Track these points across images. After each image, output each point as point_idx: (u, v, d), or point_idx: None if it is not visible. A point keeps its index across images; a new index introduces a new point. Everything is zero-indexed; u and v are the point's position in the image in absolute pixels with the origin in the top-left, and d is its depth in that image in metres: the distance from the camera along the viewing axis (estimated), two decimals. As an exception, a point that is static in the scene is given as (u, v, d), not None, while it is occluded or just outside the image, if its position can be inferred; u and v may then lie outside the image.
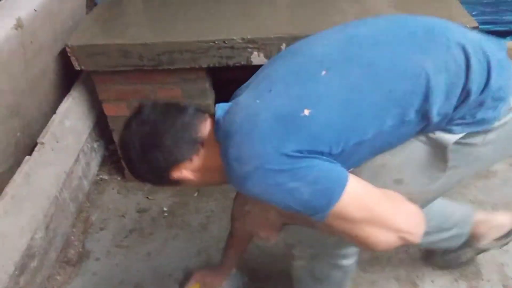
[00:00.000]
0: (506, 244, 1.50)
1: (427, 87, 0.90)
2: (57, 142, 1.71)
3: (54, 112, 1.76)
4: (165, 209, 1.95)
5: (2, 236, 1.36)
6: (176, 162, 0.98)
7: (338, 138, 0.89)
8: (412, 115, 0.91)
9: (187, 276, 1.56)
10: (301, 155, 0.86)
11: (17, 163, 1.55)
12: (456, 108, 0.93)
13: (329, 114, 0.89)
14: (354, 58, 0.94)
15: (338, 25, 1.08)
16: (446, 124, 0.95)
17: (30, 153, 1.59)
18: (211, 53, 1.66)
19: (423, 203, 1.02)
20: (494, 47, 0.98)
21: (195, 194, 2.00)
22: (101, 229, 1.89)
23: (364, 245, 0.93)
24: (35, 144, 1.63)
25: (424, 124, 0.94)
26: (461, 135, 0.95)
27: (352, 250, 1.18)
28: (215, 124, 0.98)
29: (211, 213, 1.92)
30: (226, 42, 1.64)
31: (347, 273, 1.27)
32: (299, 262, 1.27)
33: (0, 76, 1.42)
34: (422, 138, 0.98)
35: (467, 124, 0.94)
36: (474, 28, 1.54)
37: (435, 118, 0.92)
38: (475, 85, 0.92)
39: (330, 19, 1.69)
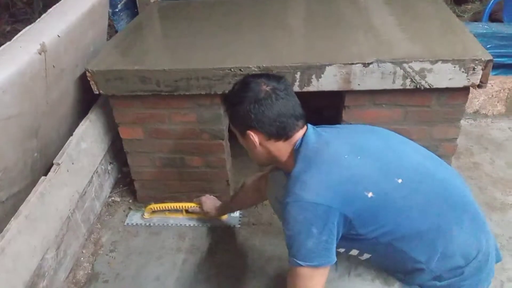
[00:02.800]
0: None
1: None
2: (73, 163, 1.74)
3: (71, 134, 1.79)
4: (175, 232, 1.95)
5: (14, 255, 1.37)
6: (259, 129, 1.18)
7: (380, 231, 1.07)
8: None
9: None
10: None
11: (33, 183, 1.58)
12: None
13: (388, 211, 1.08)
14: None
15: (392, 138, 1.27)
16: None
17: (45, 174, 1.61)
18: (226, 80, 1.69)
19: None
20: None
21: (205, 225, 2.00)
22: (111, 251, 1.89)
23: None
24: (51, 165, 1.66)
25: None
26: None
27: None
28: (303, 137, 1.19)
29: (221, 238, 1.91)
30: (242, 70, 1.66)
31: None
32: None
33: (22, 98, 1.46)
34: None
35: None
36: (489, 61, 1.54)
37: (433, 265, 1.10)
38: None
39: (345, 50, 1.71)
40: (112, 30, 2.61)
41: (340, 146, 1.14)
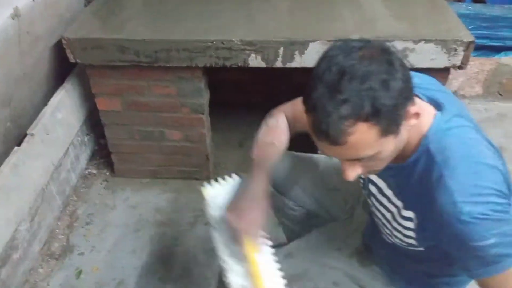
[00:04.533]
0: None
1: None
2: (47, 134, 1.69)
3: (46, 104, 1.74)
4: (153, 206, 1.94)
5: (-14, 227, 1.35)
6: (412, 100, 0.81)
7: None
8: None
9: None
10: None
11: (6, 153, 1.53)
12: None
13: None
14: None
15: None
16: None
17: (19, 144, 1.57)
18: (208, 53, 1.65)
19: None
20: None
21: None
22: (87, 223, 1.87)
23: None
24: (25, 135, 1.61)
25: None
26: None
27: None
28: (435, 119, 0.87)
29: (200, 212, 1.91)
30: (224, 43, 1.63)
31: None
32: None
33: (-7, 64, 1.40)
34: None
35: None
36: (471, 42, 1.55)
37: None
38: None
39: (329, 26, 1.69)
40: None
41: (476, 136, 0.89)
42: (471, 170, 0.83)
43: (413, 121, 0.82)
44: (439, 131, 0.86)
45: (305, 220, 1.38)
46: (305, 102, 0.81)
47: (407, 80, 0.77)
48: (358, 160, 0.82)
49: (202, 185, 1.19)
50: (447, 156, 0.84)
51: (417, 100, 0.84)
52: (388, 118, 0.75)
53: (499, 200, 0.82)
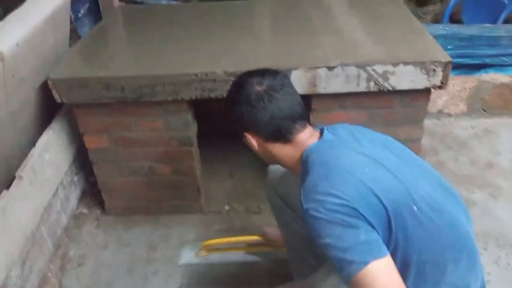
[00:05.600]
0: None
1: None
2: (36, 175, 1.68)
3: (34, 145, 1.73)
4: (146, 243, 1.92)
5: (-26, 275, 1.31)
6: (255, 131, 1.13)
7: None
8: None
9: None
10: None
11: (-6, 198, 1.52)
12: None
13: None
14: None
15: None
16: None
17: (8, 187, 1.55)
18: (193, 86, 1.68)
19: None
20: None
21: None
22: (79, 265, 1.84)
23: None
24: (13, 178, 1.60)
25: None
26: None
27: None
28: (318, 143, 1.10)
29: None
30: (208, 75, 1.65)
31: None
32: None
33: (-22, 109, 1.40)
34: None
35: None
36: (448, 63, 1.59)
37: None
38: None
39: (311, 54, 1.73)
40: (75, 36, 2.54)
41: (360, 158, 1.04)
42: (318, 174, 1.01)
43: (257, 147, 1.16)
44: (312, 148, 1.09)
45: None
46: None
47: (243, 115, 1.10)
48: None
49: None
50: (310, 165, 1.04)
51: (313, 132, 1.14)
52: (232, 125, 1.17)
53: (334, 199, 0.94)
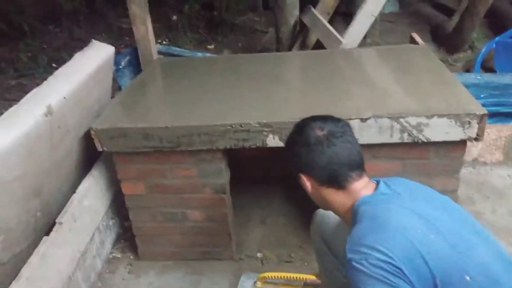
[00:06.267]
0: None
1: None
2: (75, 221, 1.74)
3: (74, 191, 1.80)
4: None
5: (13, 321, 1.35)
6: (310, 174, 1.16)
7: None
8: None
9: None
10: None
11: (35, 242, 1.57)
12: None
13: None
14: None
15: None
16: None
17: (48, 233, 1.61)
18: (227, 136, 1.72)
19: None
20: None
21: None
22: (112, 311, 1.85)
23: None
24: (54, 223, 1.66)
25: None
26: None
27: None
28: (372, 195, 1.09)
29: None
30: (243, 126, 1.70)
31: None
32: None
33: (26, 160, 1.49)
34: None
35: None
36: (484, 115, 1.58)
37: None
38: None
39: (342, 104, 1.76)
40: (115, 86, 2.69)
41: (413, 218, 1.01)
42: (367, 226, 1.00)
43: (310, 189, 1.17)
44: (363, 201, 1.08)
45: None
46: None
47: (301, 157, 1.14)
48: None
49: None
50: (360, 217, 1.04)
51: (369, 183, 1.13)
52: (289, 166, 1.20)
53: (379, 255, 0.92)
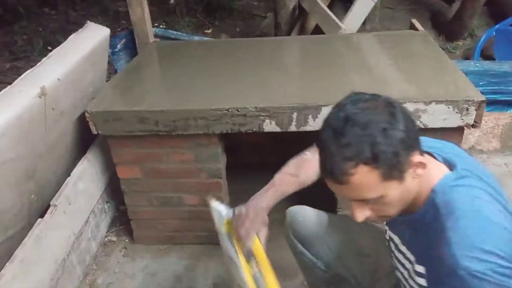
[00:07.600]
0: None
1: None
2: (69, 204, 1.73)
3: (69, 174, 1.79)
4: (172, 273, 1.92)
5: (7, 302, 1.35)
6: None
7: None
8: None
9: None
10: None
11: (29, 225, 1.57)
12: None
13: None
14: None
15: None
16: None
17: (42, 215, 1.60)
18: (224, 120, 1.71)
19: None
20: None
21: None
22: (107, 293, 1.86)
23: None
24: (48, 206, 1.65)
25: None
26: None
27: None
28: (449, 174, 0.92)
29: (218, 278, 1.88)
30: (239, 110, 1.69)
31: None
32: None
33: (19, 141, 1.47)
34: None
35: None
36: (482, 102, 1.57)
37: None
38: None
39: (340, 91, 1.73)
40: (111, 69, 2.66)
41: (498, 206, 0.91)
42: (474, 224, 0.84)
43: (419, 171, 0.87)
44: (445, 186, 0.90)
45: (334, 283, 1.37)
46: (316, 143, 0.90)
47: (410, 131, 0.84)
48: (364, 202, 0.88)
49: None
50: (452, 209, 0.86)
51: (430, 159, 0.93)
52: (388, 163, 0.82)
53: (502, 262, 0.81)
